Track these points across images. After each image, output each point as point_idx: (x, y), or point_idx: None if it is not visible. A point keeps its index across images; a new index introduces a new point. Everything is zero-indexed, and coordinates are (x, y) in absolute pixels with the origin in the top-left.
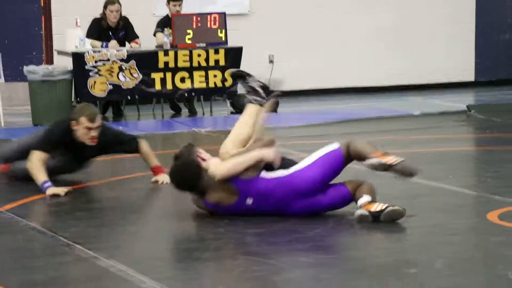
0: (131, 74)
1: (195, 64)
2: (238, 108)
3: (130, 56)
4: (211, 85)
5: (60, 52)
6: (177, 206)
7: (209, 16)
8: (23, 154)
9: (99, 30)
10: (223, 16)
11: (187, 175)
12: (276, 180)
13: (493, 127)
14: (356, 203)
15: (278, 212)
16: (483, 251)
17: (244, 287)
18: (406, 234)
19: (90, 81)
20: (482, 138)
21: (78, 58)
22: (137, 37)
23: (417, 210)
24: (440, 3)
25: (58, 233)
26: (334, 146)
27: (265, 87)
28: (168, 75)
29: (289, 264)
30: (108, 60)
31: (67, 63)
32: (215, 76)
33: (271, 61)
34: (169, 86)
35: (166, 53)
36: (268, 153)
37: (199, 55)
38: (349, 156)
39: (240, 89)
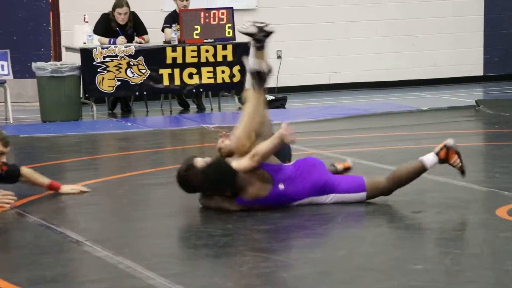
0: (139, 70)
1: (203, 59)
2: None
3: (138, 52)
4: (219, 80)
5: (68, 48)
6: (185, 203)
7: (216, 12)
8: None
9: (107, 27)
10: (230, 11)
11: (225, 172)
12: (297, 161)
13: (502, 122)
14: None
15: (304, 193)
16: (492, 246)
17: (253, 284)
18: (414, 230)
19: (98, 77)
20: (491, 133)
21: (86, 54)
22: (146, 33)
23: (426, 205)
24: None
25: (67, 230)
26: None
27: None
28: (176, 71)
29: (298, 260)
30: (116, 56)
31: (75, 59)
32: (223, 71)
33: (279, 57)
34: (177, 82)
35: (174, 49)
36: (284, 134)
37: (207, 51)
38: None
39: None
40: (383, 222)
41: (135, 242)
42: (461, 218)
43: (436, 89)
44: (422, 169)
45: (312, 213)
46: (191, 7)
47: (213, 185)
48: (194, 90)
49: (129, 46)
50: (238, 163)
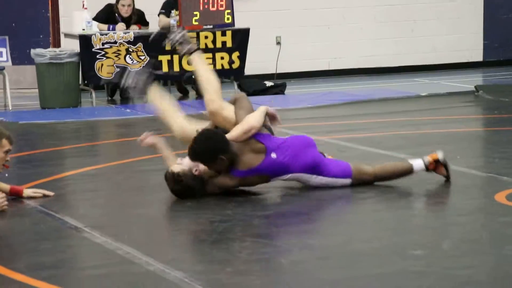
0: (138, 56)
1: (202, 46)
2: (246, 90)
3: (137, 39)
4: (218, 67)
5: (67, 35)
6: None
7: None
8: None
9: (109, 17)
10: None
11: (217, 139)
12: (291, 136)
13: (501, 107)
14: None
15: (296, 166)
16: (491, 231)
17: (252, 269)
18: (413, 215)
19: (97, 64)
20: (490, 118)
21: (85, 40)
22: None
23: (425, 191)
24: None
25: (66, 216)
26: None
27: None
28: (175, 58)
29: (296, 246)
30: (115, 42)
31: (74, 46)
32: (222, 58)
33: (278, 43)
34: (176, 68)
35: None
36: (265, 107)
37: (206, 37)
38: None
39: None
40: (382, 207)
41: (134, 228)
42: (460, 203)
43: (435, 74)
44: (409, 172)
45: (310, 199)
46: None
47: (207, 151)
48: (193, 77)
49: (128, 32)
50: (229, 134)
